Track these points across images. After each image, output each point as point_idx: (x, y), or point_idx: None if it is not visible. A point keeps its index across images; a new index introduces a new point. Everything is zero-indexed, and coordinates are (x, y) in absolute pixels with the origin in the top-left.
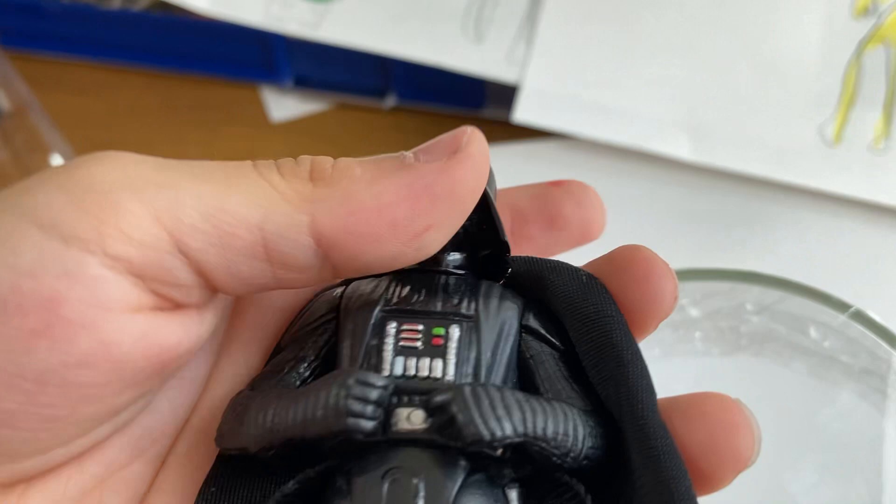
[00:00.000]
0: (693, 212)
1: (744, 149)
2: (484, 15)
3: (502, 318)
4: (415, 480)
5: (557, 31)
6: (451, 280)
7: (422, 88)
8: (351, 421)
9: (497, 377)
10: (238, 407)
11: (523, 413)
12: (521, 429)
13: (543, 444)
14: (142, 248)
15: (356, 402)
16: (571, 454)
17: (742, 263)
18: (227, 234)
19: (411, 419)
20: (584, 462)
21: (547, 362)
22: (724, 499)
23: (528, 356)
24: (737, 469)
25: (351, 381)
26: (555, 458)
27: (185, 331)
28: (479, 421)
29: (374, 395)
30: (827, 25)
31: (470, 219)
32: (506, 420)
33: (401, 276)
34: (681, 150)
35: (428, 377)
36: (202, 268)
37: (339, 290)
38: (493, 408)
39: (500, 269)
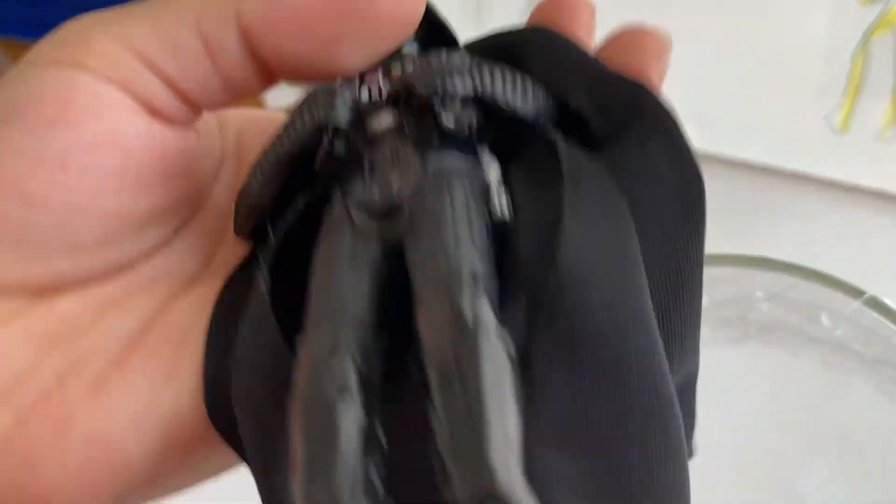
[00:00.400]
0: None
1: (749, 137)
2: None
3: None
4: (395, 152)
5: None
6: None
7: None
8: (331, 112)
9: None
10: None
11: (472, 69)
12: (469, 83)
13: (498, 98)
14: (113, 63)
15: (331, 96)
16: (525, 107)
17: (747, 252)
18: (173, 39)
19: (381, 120)
20: (542, 118)
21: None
22: (731, 496)
23: None
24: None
25: (320, 88)
26: (510, 111)
27: (183, 141)
28: (433, 75)
29: (345, 92)
30: (834, 12)
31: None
32: (457, 73)
33: None
34: None
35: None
36: (166, 74)
37: None
38: (443, 64)
39: None
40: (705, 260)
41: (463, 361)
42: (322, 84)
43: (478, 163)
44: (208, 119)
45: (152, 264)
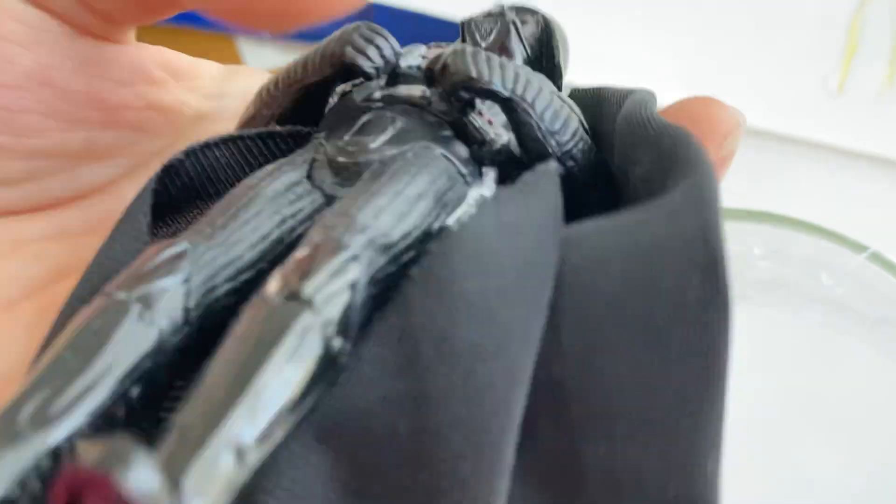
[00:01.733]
0: None
1: (744, 101)
2: None
3: None
4: (390, 115)
5: None
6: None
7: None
8: (349, 51)
9: None
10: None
11: (517, 75)
12: (510, 85)
13: (531, 111)
14: None
15: (360, 38)
16: (558, 137)
17: None
18: None
19: (408, 89)
20: (570, 162)
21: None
22: (727, 458)
23: None
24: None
25: (362, 25)
26: (539, 134)
27: (114, 64)
28: (469, 62)
29: (380, 42)
30: None
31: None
32: (497, 71)
33: None
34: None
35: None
36: None
37: None
38: (489, 60)
39: None
40: None
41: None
42: (360, 28)
43: (476, 174)
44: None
45: (89, 206)
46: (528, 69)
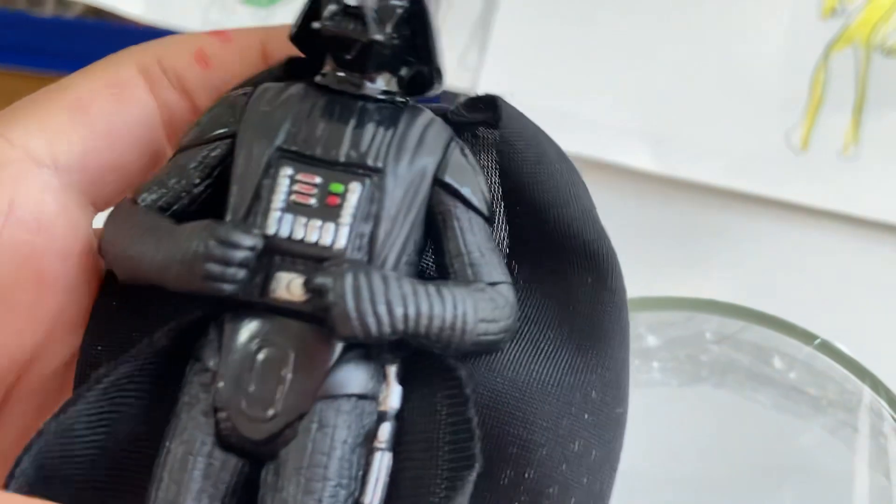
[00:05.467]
0: (653, 225)
1: (706, 157)
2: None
3: (415, 169)
4: (289, 354)
5: (512, 37)
6: (371, 108)
7: None
8: (207, 284)
9: (394, 248)
10: (115, 220)
11: (406, 308)
12: (400, 326)
13: (424, 341)
14: None
15: (214, 264)
16: (453, 346)
17: (704, 281)
18: None
19: (290, 288)
20: (473, 347)
21: (460, 222)
22: None
23: (438, 212)
24: None
25: (212, 243)
26: (436, 350)
27: None
28: (353, 316)
29: (237, 256)
30: (793, 27)
31: (401, 33)
32: (385, 317)
33: (314, 96)
34: (640, 159)
35: (316, 243)
36: None
37: (244, 99)
38: (374, 303)
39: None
40: (656, 303)
41: None
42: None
43: (380, 380)
44: None
45: None
46: (418, 289)
